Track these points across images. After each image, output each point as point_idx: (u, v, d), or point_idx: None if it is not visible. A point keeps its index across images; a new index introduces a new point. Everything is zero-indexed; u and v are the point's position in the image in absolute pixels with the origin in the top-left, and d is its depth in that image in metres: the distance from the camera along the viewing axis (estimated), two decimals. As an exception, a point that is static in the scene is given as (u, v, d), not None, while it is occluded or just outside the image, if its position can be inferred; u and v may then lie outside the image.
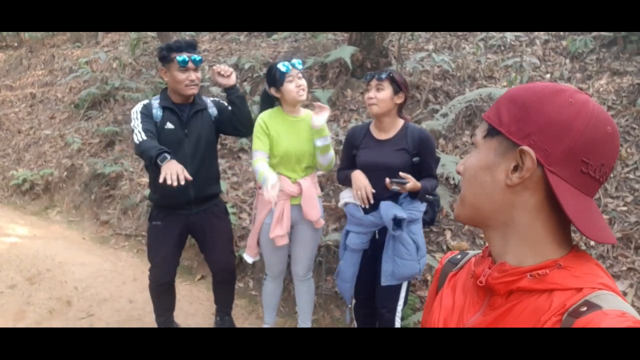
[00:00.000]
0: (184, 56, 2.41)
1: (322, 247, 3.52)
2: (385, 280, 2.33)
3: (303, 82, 2.46)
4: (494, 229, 0.74)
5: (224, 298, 2.92)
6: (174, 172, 2.04)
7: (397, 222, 2.23)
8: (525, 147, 0.66)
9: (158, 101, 2.55)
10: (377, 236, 2.40)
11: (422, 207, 2.37)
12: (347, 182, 2.46)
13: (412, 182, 2.19)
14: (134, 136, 2.39)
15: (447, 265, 0.90)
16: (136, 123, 2.42)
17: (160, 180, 2.06)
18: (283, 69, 2.42)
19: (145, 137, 2.35)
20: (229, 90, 2.58)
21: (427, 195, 2.34)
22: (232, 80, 2.56)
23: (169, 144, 2.45)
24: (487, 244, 0.77)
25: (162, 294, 2.77)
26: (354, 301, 2.65)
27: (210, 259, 2.79)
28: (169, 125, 2.51)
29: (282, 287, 2.86)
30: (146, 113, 2.47)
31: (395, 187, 2.19)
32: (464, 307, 0.78)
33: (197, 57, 2.46)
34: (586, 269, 0.67)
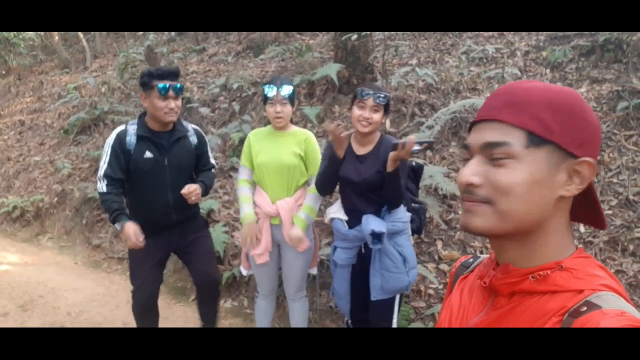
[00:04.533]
0: (165, 83, 2.42)
1: (315, 262, 3.53)
2: (375, 295, 2.29)
3: (285, 109, 2.46)
4: (517, 239, 0.71)
5: (208, 312, 2.93)
6: (132, 242, 2.33)
7: (377, 236, 2.19)
8: (589, 159, 0.66)
9: (134, 127, 2.51)
10: (363, 250, 2.37)
11: (406, 218, 2.34)
12: (326, 185, 2.38)
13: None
14: (98, 180, 2.46)
15: (460, 269, 0.92)
16: (104, 160, 2.45)
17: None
18: (267, 92, 2.46)
19: (105, 189, 2.42)
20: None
21: (413, 204, 2.35)
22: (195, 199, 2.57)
23: (149, 173, 2.47)
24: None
25: (145, 315, 2.72)
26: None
27: (194, 272, 2.80)
28: (148, 155, 2.48)
29: (275, 305, 2.85)
30: (118, 147, 2.45)
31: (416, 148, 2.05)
32: (468, 307, 0.80)
33: (178, 85, 2.47)
34: (588, 271, 0.67)
